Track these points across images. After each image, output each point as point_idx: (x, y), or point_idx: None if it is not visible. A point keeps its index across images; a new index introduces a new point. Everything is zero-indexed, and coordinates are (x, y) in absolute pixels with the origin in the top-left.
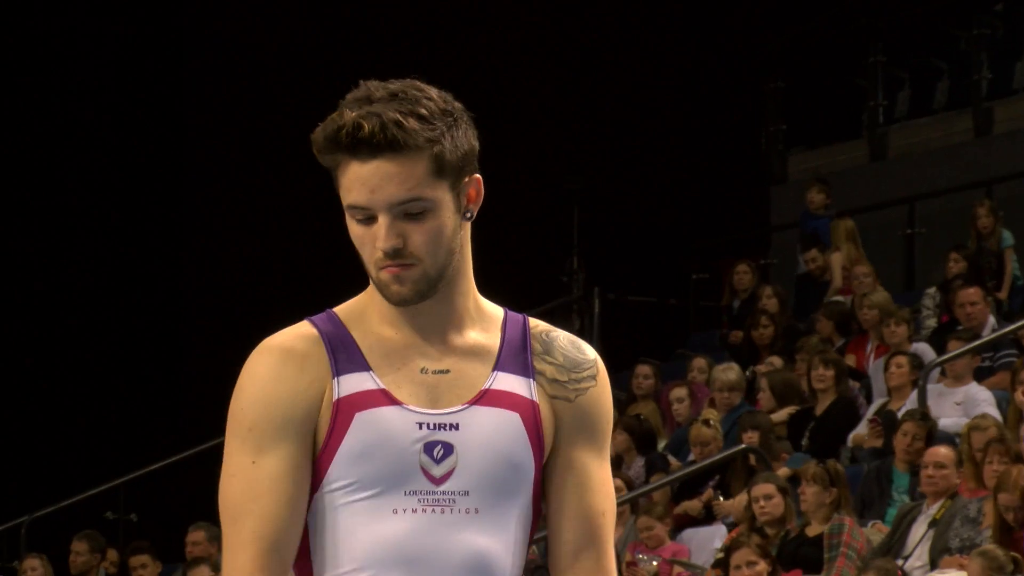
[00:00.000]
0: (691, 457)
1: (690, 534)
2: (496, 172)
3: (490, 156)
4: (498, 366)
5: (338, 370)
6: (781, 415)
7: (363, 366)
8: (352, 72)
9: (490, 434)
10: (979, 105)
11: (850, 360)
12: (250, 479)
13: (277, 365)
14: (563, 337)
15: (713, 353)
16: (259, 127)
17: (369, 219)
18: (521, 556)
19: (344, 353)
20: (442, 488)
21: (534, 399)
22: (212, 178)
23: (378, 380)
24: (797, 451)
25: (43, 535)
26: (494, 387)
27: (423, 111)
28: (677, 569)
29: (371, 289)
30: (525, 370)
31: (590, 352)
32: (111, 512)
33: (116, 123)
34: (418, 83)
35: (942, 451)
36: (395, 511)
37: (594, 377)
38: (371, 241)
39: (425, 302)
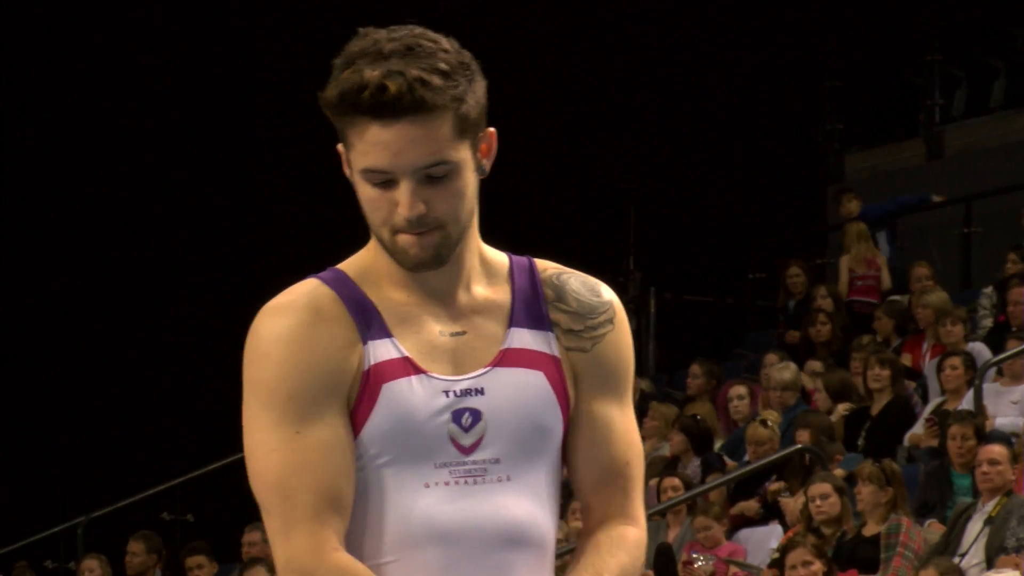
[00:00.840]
0: (746, 457)
1: (746, 534)
2: (554, 172)
3: (548, 156)
4: (513, 322)
5: (366, 336)
6: (837, 414)
7: (385, 332)
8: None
9: (517, 396)
10: None
11: (906, 360)
12: (297, 451)
13: (307, 327)
14: (575, 280)
15: (772, 352)
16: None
17: (387, 183)
18: (555, 519)
19: (366, 317)
20: (472, 458)
21: (555, 354)
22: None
23: (400, 348)
24: (852, 451)
25: (100, 535)
26: (513, 346)
27: (444, 66)
28: (733, 569)
29: (374, 248)
30: (541, 322)
31: (606, 293)
32: (167, 513)
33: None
34: (423, 30)
35: (996, 448)
36: (427, 485)
37: (611, 320)
38: (387, 205)
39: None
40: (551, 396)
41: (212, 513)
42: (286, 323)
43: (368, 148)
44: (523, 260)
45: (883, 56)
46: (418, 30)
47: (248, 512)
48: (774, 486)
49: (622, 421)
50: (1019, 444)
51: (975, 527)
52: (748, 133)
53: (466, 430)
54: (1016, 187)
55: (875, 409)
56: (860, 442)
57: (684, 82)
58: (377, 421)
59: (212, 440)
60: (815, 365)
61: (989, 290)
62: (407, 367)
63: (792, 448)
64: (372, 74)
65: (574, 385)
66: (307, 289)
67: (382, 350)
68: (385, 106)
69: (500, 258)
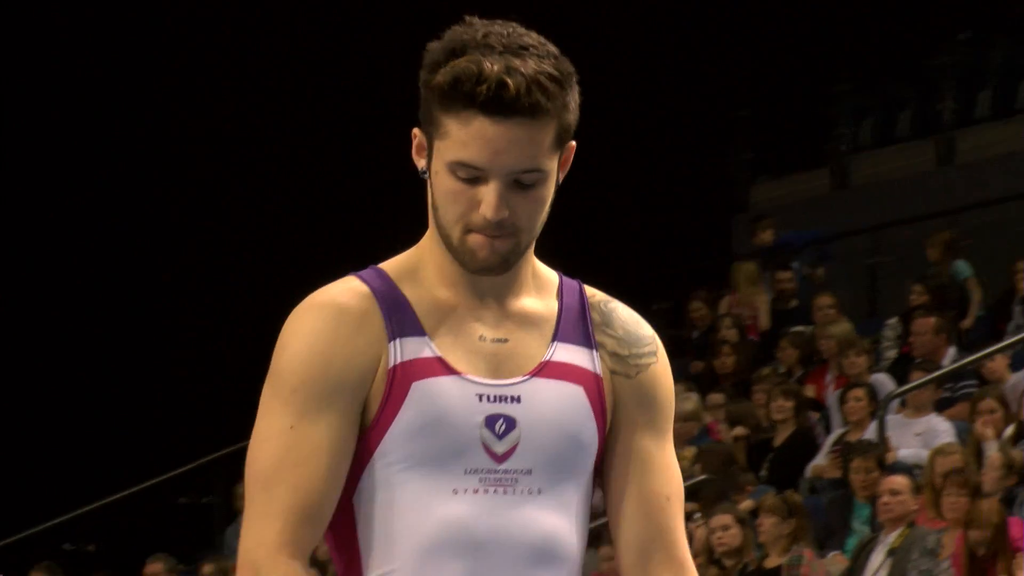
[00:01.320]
0: None
1: None
2: None
3: None
4: (558, 336)
5: (393, 333)
6: (729, 437)
7: (419, 330)
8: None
9: (554, 408)
10: (942, 134)
11: (809, 391)
12: (288, 445)
13: (330, 322)
14: (622, 309)
15: (678, 383)
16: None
17: (475, 180)
18: (584, 537)
19: (398, 315)
20: (504, 466)
21: (597, 372)
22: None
23: (434, 347)
24: (755, 479)
25: (2, 566)
26: (555, 358)
27: (556, 72)
28: None
29: (426, 245)
30: (586, 341)
31: (649, 328)
32: (69, 543)
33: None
34: (527, 30)
35: (898, 480)
36: (455, 491)
37: (655, 354)
38: (467, 201)
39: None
40: (589, 412)
41: (114, 543)
42: (310, 317)
43: (469, 140)
44: (573, 281)
45: (792, 86)
46: (522, 29)
47: (150, 543)
48: None
49: (663, 456)
50: (922, 476)
51: (877, 559)
52: (656, 162)
53: (499, 437)
54: (922, 217)
55: (778, 440)
56: (763, 473)
57: (593, 112)
58: (406, 419)
59: (115, 471)
60: (717, 398)
61: (894, 321)
62: (440, 367)
63: (694, 480)
64: (492, 68)
65: (614, 410)
66: (340, 286)
67: (412, 348)
68: (501, 103)
69: (551, 274)
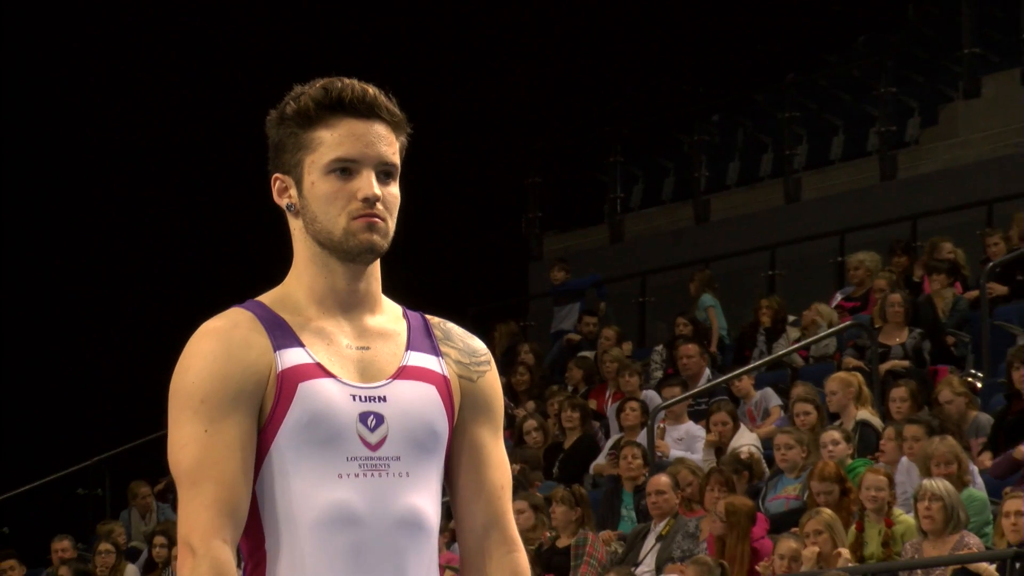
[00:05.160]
0: None
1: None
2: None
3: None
4: (410, 346)
5: (277, 345)
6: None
7: (297, 342)
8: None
9: (414, 405)
10: (699, 198)
11: (592, 404)
12: (206, 446)
13: (224, 343)
14: (457, 328)
15: None
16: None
17: (348, 174)
18: (440, 509)
19: (279, 331)
20: (377, 454)
21: (446, 375)
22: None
23: (312, 355)
24: (549, 479)
25: None
26: (410, 363)
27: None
28: (448, 573)
29: (292, 276)
30: (433, 350)
31: (481, 343)
32: None
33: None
34: None
35: (663, 479)
36: (340, 476)
37: (489, 363)
38: (346, 195)
39: (350, 285)
40: (441, 407)
41: (23, 527)
42: (207, 340)
43: (342, 139)
44: (414, 311)
45: (575, 157)
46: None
47: (53, 526)
48: None
49: (497, 451)
50: (684, 474)
51: (649, 543)
52: (465, 219)
53: (372, 430)
54: (682, 265)
55: (567, 444)
56: (555, 471)
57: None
58: (296, 415)
59: (23, 465)
60: (528, 406)
61: (660, 348)
62: (319, 370)
63: None
64: (348, 81)
65: (460, 407)
66: (228, 314)
67: (294, 356)
68: (364, 103)
69: (395, 304)
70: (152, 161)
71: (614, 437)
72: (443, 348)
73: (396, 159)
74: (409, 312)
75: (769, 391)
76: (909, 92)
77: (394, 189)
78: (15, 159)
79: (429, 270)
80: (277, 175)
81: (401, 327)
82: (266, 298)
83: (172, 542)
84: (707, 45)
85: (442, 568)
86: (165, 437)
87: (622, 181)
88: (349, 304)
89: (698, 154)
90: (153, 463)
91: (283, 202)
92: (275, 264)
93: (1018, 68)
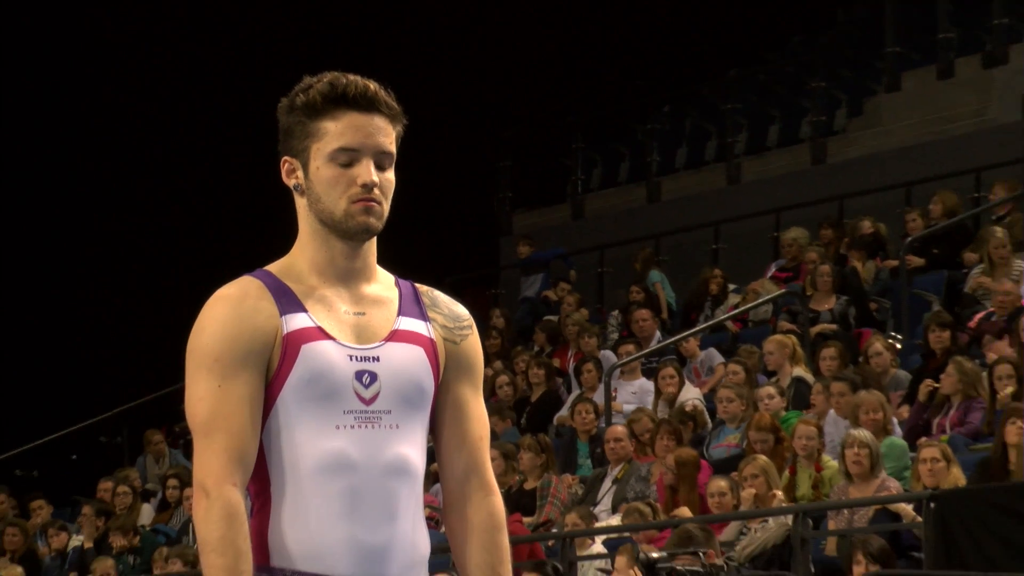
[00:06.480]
0: None
1: (437, 489)
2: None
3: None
4: (401, 311)
5: (283, 311)
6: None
7: (301, 308)
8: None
9: (404, 365)
10: (651, 180)
11: (556, 363)
12: (219, 401)
13: (236, 308)
14: (443, 296)
15: None
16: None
17: (349, 163)
18: (425, 453)
19: (284, 298)
20: (371, 408)
21: (432, 338)
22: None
23: (313, 319)
24: (516, 427)
25: None
26: (401, 327)
27: (393, 97)
28: (427, 511)
29: (298, 248)
30: (422, 315)
31: (464, 309)
32: (19, 470)
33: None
34: None
35: (619, 429)
36: (337, 427)
37: (471, 327)
38: (346, 181)
39: (348, 258)
40: (428, 366)
41: (51, 470)
42: (220, 305)
43: (345, 130)
44: (405, 280)
45: (541, 143)
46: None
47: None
48: None
49: (477, 405)
50: (639, 424)
51: (606, 485)
52: (443, 200)
53: (366, 387)
54: (636, 240)
55: (534, 398)
56: (523, 422)
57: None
58: (299, 373)
59: (51, 416)
60: (497, 365)
61: (616, 313)
62: (320, 333)
63: None
64: (355, 78)
65: (444, 368)
66: (239, 282)
67: (298, 321)
68: (366, 98)
69: (388, 273)
70: (177, 125)
71: (575, 392)
72: (430, 314)
73: (392, 148)
74: (401, 281)
75: (713, 351)
76: (838, 86)
77: (390, 175)
78: (39, 116)
79: (412, 243)
80: (286, 157)
81: (394, 295)
82: (273, 267)
83: (183, 483)
84: (659, 44)
85: None
86: (177, 392)
87: (583, 165)
88: (347, 275)
89: (650, 141)
90: (166, 414)
91: (290, 182)
92: (281, 231)
93: (934, 65)
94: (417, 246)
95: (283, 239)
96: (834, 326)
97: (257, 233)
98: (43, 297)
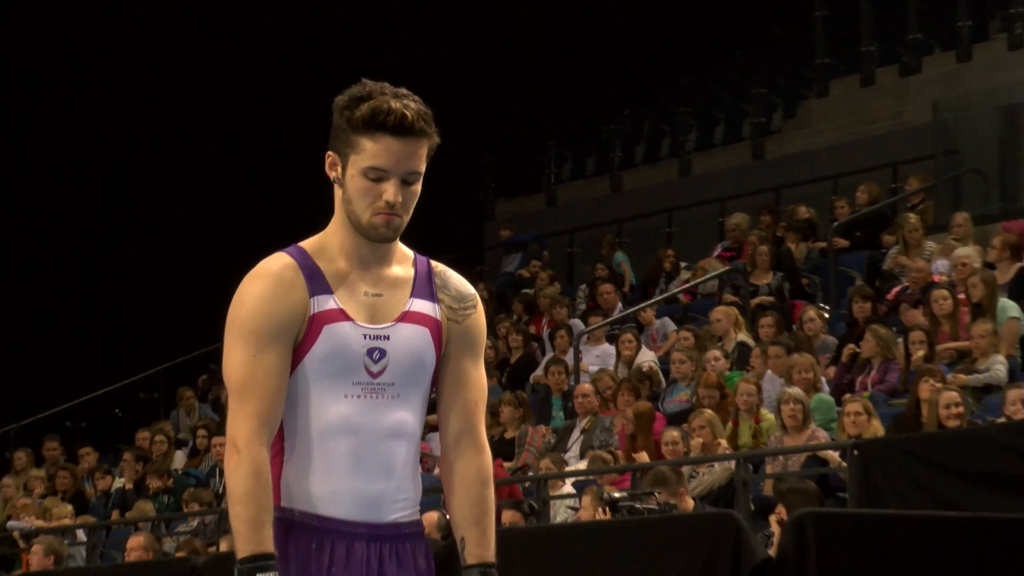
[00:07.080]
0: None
1: (431, 436)
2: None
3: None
4: (414, 293)
5: (312, 292)
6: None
7: (328, 290)
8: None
9: (410, 343)
10: (614, 173)
11: (532, 329)
12: (252, 369)
13: (272, 286)
14: (454, 275)
15: None
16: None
17: (379, 179)
18: (423, 420)
19: (314, 279)
20: (377, 380)
21: (438, 319)
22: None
23: (337, 302)
24: (499, 385)
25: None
26: (412, 309)
27: (428, 112)
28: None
29: (331, 229)
30: (432, 297)
31: (471, 288)
32: (69, 422)
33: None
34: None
35: (586, 386)
36: (346, 396)
37: (476, 306)
38: (374, 194)
39: (371, 248)
40: (431, 345)
41: (97, 422)
42: (258, 283)
43: (379, 152)
44: (423, 257)
45: (520, 141)
46: (392, 87)
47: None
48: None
49: (476, 373)
50: (603, 382)
51: (575, 435)
52: (434, 189)
53: (375, 361)
54: (601, 224)
55: (513, 359)
56: (504, 380)
57: None
58: (319, 349)
59: (96, 374)
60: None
61: (584, 287)
62: (340, 315)
63: None
64: (395, 105)
65: (447, 343)
66: (275, 259)
67: (323, 302)
68: (403, 126)
69: (408, 251)
70: (223, 93)
71: (549, 355)
72: (440, 295)
73: (421, 167)
74: (419, 259)
75: (667, 320)
76: (775, 92)
77: (415, 188)
78: (81, 90)
79: (410, 227)
80: (330, 152)
81: (409, 275)
82: (308, 245)
83: (211, 433)
84: (621, 56)
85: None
86: (205, 355)
87: (555, 160)
88: (370, 260)
89: (613, 139)
90: (197, 372)
91: (332, 174)
92: (310, 201)
93: (858, 74)
94: (411, 230)
95: (311, 209)
96: (771, 298)
97: (289, 207)
98: (91, 271)
